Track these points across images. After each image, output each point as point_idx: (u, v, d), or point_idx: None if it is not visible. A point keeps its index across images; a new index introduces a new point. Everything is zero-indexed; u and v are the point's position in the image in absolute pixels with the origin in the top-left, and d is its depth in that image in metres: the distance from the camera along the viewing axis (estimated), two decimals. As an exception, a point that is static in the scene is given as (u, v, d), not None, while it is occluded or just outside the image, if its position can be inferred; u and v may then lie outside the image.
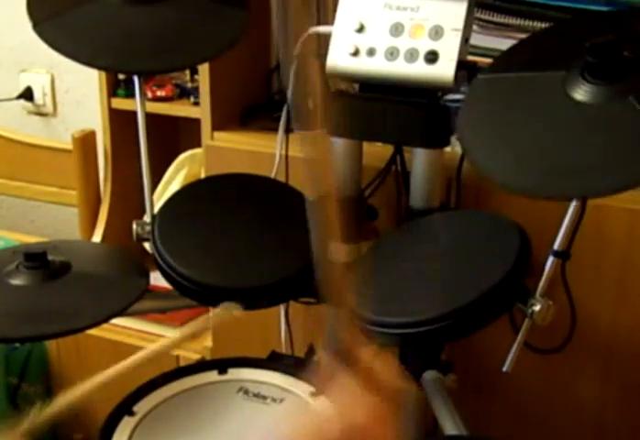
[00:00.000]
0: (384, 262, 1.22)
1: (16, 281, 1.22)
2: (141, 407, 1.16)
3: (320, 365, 0.68)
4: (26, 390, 1.98)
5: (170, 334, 1.81)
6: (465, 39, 1.20)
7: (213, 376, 1.24)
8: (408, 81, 1.22)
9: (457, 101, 1.24)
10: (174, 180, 1.87)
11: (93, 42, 1.27)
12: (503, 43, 1.32)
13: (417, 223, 1.27)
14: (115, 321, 1.39)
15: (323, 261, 0.68)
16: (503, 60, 1.17)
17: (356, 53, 1.24)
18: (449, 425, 1.16)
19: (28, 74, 2.25)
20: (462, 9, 1.19)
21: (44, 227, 2.39)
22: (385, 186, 1.39)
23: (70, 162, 1.93)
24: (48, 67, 2.22)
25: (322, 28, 1.34)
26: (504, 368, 1.11)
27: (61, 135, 2.19)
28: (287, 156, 1.44)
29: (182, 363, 1.73)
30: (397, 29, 1.22)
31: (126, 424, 1.13)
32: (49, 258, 1.25)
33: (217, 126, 1.61)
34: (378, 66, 1.23)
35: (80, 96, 2.21)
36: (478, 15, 1.39)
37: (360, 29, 1.24)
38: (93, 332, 1.46)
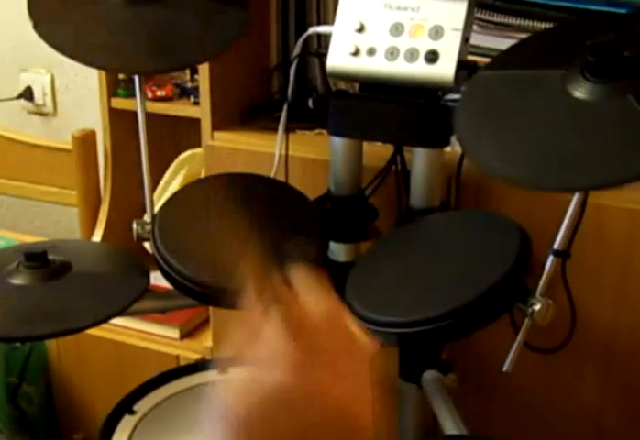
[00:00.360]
0: (384, 261, 1.22)
1: (16, 281, 1.22)
2: (141, 406, 1.16)
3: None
4: (26, 390, 1.98)
5: (169, 333, 1.81)
6: (465, 39, 1.20)
7: (213, 375, 1.24)
8: (408, 80, 1.22)
9: (458, 101, 1.25)
10: (174, 179, 1.87)
11: (93, 42, 1.27)
12: (504, 43, 1.32)
13: (417, 222, 1.27)
14: (115, 321, 1.39)
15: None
16: (503, 58, 1.17)
17: (356, 53, 1.24)
18: (449, 425, 1.16)
19: (28, 74, 2.25)
20: (462, 9, 1.19)
21: (44, 227, 2.39)
22: (385, 186, 1.39)
23: (70, 162, 1.93)
24: (48, 67, 2.22)
25: (322, 28, 1.34)
26: (504, 368, 1.11)
27: (61, 135, 2.19)
28: (287, 156, 1.44)
29: (183, 362, 1.74)
30: (397, 29, 1.22)
31: (127, 423, 1.13)
32: (50, 257, 1.25)
33: (217, 125, 1.61)
34: (378, 66, 1.23)
35: (80, 96, 2.21)
36: (478, 15, 1.39)
37: (360, 29, 1.24)
38: (93, 331, 1.47)
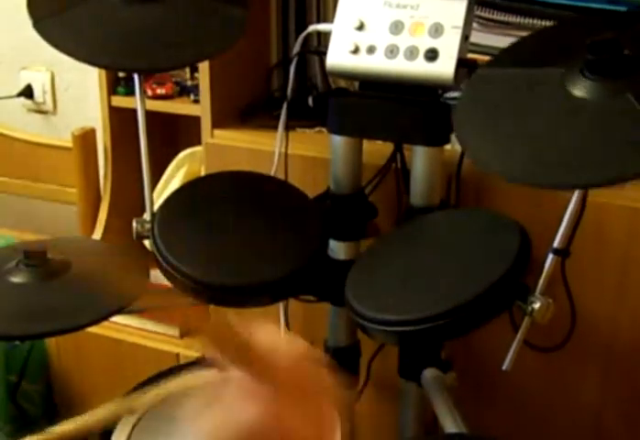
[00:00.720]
0: (384, 260, 1.22)
1: (15, 279, 1.22)
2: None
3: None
4: (26, 388, 1.98)
5: (169, 331, 1.81)
6: (465, 37, 1.20)
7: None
8: (408, 78, 1.22)
9: (457, 98, 1.24)
10: (174, 177, 1.87)
11: (93, 40, 1.27)
12: (504, 41, 1.32)
13: (417, 221, 1.27)
14: (114, 319, 1.39)
15: None
16: (503, 57, 1.17)
17: (356, 51, 1.24)
18: (449, 423, 1.16)
19: (29, 72, 2.25)
20: (462, 7, 1.19)
21: (44, 225, 2.39)
22: (385, 184, 1.39)
23: (70, 160, 1.93)
24: (48, 65, 2.22)
25: (322, 26, 1.34)
26: (504, 366, 1.11)
27: (61, 132, 2.18)
28: (287, 154, 1.44)
29: (183, 361, 1.74)
30: (397, 27, 1.22)
31: (126, 423, 1.13)
32: (49, 255, 1.25)
33: (217, 123, 1.61)
34: (378, 64, 1.23)
35: (80, 94, 2.21)
36: (478, 12, 1.39)
37: (360, 27, 1.24)
38: (93, 330, 1.46)
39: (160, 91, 1.81)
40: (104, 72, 1.83)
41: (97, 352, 1.87)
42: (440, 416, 1.19)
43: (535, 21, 1.38)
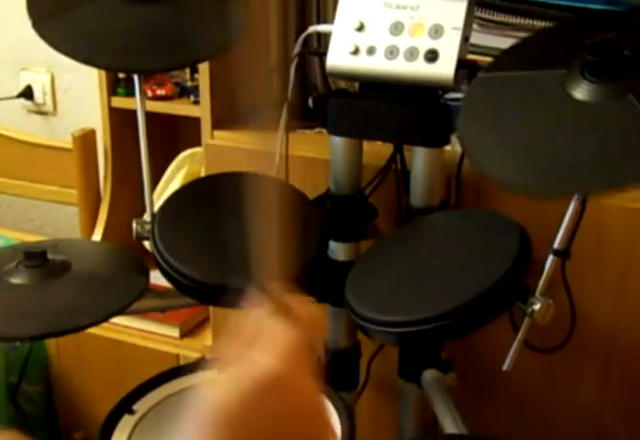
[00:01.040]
0: (384, 261, 1.22)
1: (15, 280, 1.22)
2: (141, 406, 1.16)
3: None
4: (26, 389, 1.98)
5: (169, 332, 1.81)
6: (465, 38, 1.20)
7: (213, 374, 1.23)
8: (408, 79, 1.22)
9: (458, 100, 1.25)
10: (174, 178, 1.87)
11: (92, 41, 1.27)
12: (503, 42, 1.32)
13: (417, 222, 1.27)
14: (115, 320, 1.38)
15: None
16: (503, 59, 1.17)
17: (356, 52, 1.24)
18: (449, 424, 1.16)
19: (28, 73, 2.25)
20: (462, 8, 1.19)
21: (44, 226, 2.39)
22: (385, 185, 1.39)
23: (70, 161, 1.93)
24: (48, 66, 2.22)
25: (322, 27, 1.34)
26: (504, 367, 1.11)
27: (61, 134, 2.19)
28: (287, 155, 1.44)
29: (182, 362, 1.74)
30: (397, 28, 1.22)
31: (126, 423, 1.13)
32: (49, 256, 1.25)
33: (217, 124, 1.61)
34: (378, 65, 1.23)
35: (80, 95, 2.21)
36: (477, 13, 1.39)
37: (360, 28, 1.24)
38: (93, 331, 1.46)
39: (159, 92, 1.81)
40: (104, 73, 1.83)
41: (97, 353, 1.87)
42: (440, 417, 1.19)
43: (535, 22, 1.38)
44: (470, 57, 1.24)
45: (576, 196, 1.07)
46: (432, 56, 1.19)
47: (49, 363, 1.98)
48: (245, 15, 1.32)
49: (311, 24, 1.57)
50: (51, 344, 1.96)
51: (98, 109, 1.87)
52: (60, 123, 2.27)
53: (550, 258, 1.10)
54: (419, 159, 1.27)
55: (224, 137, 1.60)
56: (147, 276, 1.27)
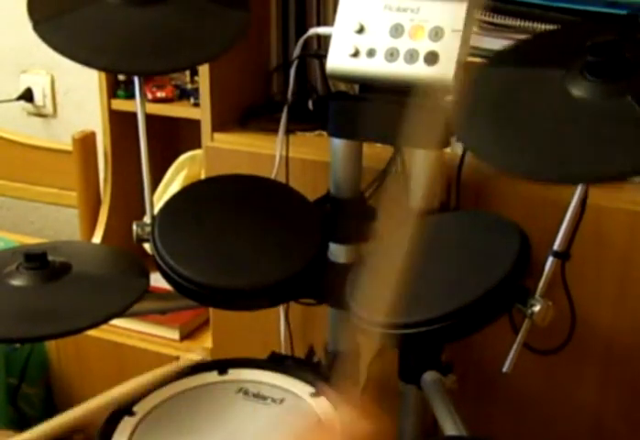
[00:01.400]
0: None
1: (16, 282, 1.22)
2: (141, 407, 1.16)
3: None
4: (26, 391, 1.98)
5: (169, 334, 1.81)
6: (465, 41, 1.20)
7: (213, 376, 1.24)
8: (408, 82, 1.22)
9: (458, 97, 1.24)
10: (174, 181, 1.87)
11: (93, 43, 1.27)
12: (503, 44, 1.32)
13: (417, 224, 1.27)
14: (114, 322, 1.39)
15: None
16: (504, 56, 1.17)
17: (356, 54, 1.24)
18: (449, 426, 1.16)
19: (28, 75, 2.25)
20: (462, 10, 1.19)
21: (44, 228, 2.39)
22: (385, 187, 1.39)
23: (70, 163, 1.93)
24: (48, 68, 2.22)
25: (322, 29, 1.34)
26: (504, 369, 1.11)
27: (61, 136, 2.19)
28: (287, 157, 1.44)
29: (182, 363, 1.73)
30: (397, 30, 1.22)
31: (126, 424, 1.13)
32: (49, 258, 1.25)
33: (217, 127, 1.61)
34: (378, 67, 1.23)
35: (80, 97, 2.21)
36: (478, 16, 1.39)
37: (360, 30, 1.24)
38: (92, 333, 1.47)
39: (159, 94, 1.81)
40: (104, 76, 1.83)
41: (97, 355, 1.87)
42: (440, 419, 1.19)
43: (535, 24, 1.38)
44: (470, 59, 1.24)
45: (576, 196, 1.07)
46: (432, 58, 1.19)
47: (50, 365, 1.98)
48: (245, 16, 1.32)
49: (311, 26, 1.58)
50: (51, 346, 1.96)
51: (98, 111, 1.87)
52: (61, 125, 2.27)
53: (550, 259, 1.10)
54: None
55: (224, 140, 1.61)
56: (147, 278, 1.27)
